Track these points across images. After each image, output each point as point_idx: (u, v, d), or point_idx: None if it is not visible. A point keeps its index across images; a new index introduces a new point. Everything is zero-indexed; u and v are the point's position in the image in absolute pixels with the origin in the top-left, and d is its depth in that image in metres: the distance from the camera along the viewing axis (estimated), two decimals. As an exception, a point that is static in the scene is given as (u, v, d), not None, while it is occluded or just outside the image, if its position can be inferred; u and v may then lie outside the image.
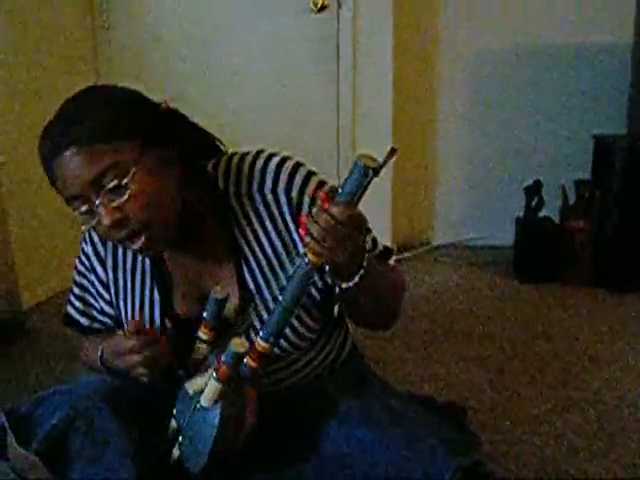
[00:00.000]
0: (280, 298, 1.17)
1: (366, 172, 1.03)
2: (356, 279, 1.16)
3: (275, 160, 1.29)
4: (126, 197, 1.14)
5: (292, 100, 3.21)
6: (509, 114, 3.59)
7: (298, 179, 1.27)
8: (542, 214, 3.19)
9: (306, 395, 1.38)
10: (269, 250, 1.30)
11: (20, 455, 1.23)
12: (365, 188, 1.05)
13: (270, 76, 3.30)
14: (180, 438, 1.27)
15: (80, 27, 3.21)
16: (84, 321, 1.45)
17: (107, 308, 1.42)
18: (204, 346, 1.28)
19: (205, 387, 1.20)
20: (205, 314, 1.24)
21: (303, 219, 1.09)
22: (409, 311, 2.71)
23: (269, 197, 1.28)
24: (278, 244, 1.30)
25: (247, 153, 1.31)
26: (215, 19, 3.30)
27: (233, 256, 1.31)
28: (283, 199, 1.27)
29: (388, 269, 1.36)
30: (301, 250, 1.14)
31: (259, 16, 3.25)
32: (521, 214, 3.21)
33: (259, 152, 1.31)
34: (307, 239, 1.08)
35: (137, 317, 1.34)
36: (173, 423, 1.30)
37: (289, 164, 1.28)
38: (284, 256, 1.30)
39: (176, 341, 1.30)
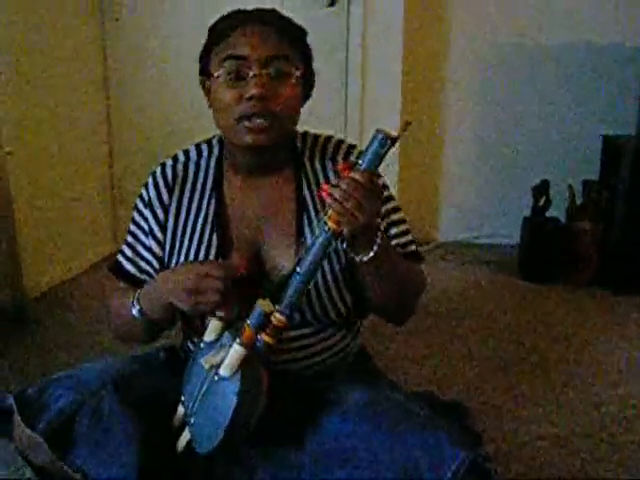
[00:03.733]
0: (298, 269, 1.21)
1: (385, 142, 1.13)
2: (371, 254, 1.24)
3: (340, 140, 1.48)
4: (283, 85, 1.30)
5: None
6: (517, 113, 3.57)
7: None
8: (549, 214, 3.17)
9: (313, 386, 1.39)
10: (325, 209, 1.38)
11: (25, 436, 1.25)
12: (382, 157, 1.15)
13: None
14: (192, 419, 1.27)
15: (89, 18, 3.20)
16: (130, 268, 1.46)
17: (157, 250, 1.43)
18: (218, 323, 1.28)
19: (222, 360, 1.21)
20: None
21: (325, 186, 1.18)
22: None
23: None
24: None
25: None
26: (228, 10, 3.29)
27: (295, 206, 1.39)
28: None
29: (409, 265, 1.43)
30: (321, 219, 1.20)
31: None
32: (528, 213, 3.20)
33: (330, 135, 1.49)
34: (328, 200, 1.16)
35: (191, 259, 1.39)
36: (180, 409, 1.31)
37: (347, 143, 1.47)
38: None
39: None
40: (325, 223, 1.18)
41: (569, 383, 2.19)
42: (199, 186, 1.43)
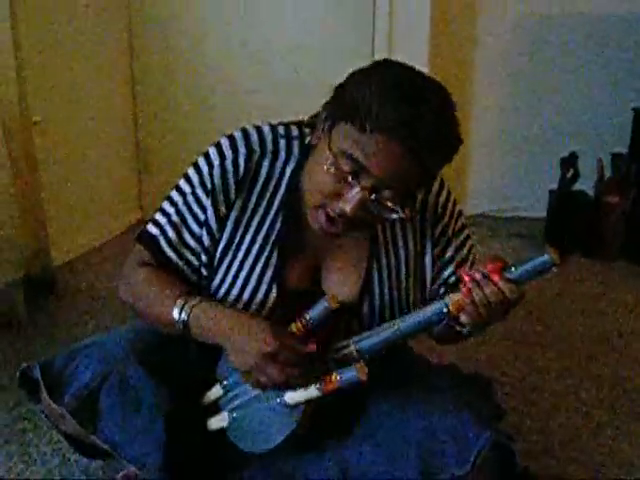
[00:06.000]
0: (398, 323, 1.16)
1: (548, 267, 1.07)
2: (469, 329, 1.19)
3: (439, 188, 1.32)
4: (376, 209, 1.13)
5: (325, 73, 3.17)
6: (548, 84, 3.52)
7: (455, 218, 1.34)
8: (577, 187, 3.13)
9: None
10: (402, 254, 1.30)
11: (51, 408, 1.26)
12: (536, 277, 1.09)
13: (304, 49, 3.27)
14: (234, 414, 1.27)
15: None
16: (171, 254, 1.29)
17: (208, 244, 1.27)
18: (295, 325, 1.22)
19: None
20: (309, 314, 1.19)
21: (466, 275, 1.11)
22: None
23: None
24: (411, 254, 1.31)
25: None
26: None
27: (368, 249, 1.29)
28: (430, 223, 1.31)
29: None
30: (446, 298, 1.13)
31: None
32: (555, 186, 3.16)
33: None
34: (464, 296, 1.10)
35: (244, 274, 1.27)
36: (218, 390, 1.30)
37: (452, 198, 1.34)
38: (410, 267, 1.31)
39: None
40: (447, 304, 1.12)
41: (593, 357, 2.18)
42: (269, 191, 1.27)
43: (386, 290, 1.29)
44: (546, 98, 3.55)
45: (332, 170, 1.12)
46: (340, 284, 1.29)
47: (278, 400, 1.19)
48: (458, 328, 1.20)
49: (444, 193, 1.32)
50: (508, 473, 1.20)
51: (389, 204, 1.13)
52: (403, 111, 1.07)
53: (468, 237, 1.37)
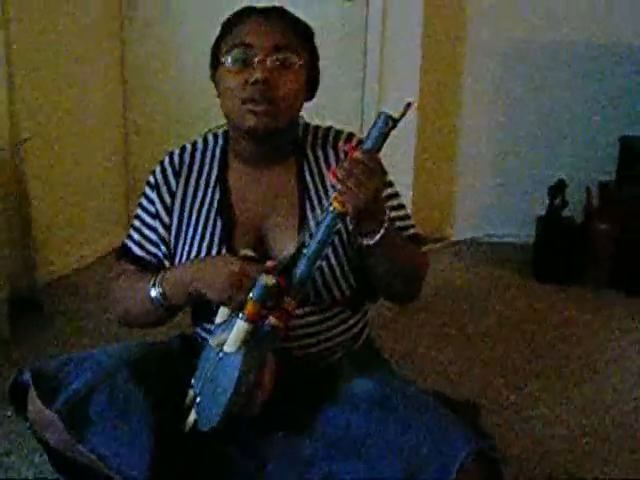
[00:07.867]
0: (305, 251, 1.26)
1: (387, 122, 1.20)
2: (377, 237, 1.28)
3: (339, 130, 1.53)
4: (287, 73, 1.36)
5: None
6: (537, 111, 3.54)
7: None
8: (564, 214, 3.15)
9: (322, 375, 1.41)
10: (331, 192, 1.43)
11: (40, 413, 1.26)
12: (385, 138, 1.22)
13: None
14: (198, 399, 1.28)
15: (106, 5, 3.20)
16: (138, 251, 1.49)
17: (163, 232, 1.47)
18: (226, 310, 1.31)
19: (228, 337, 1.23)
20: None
21: (333, 169, 1.24)
22: (424, 305, 2.69)
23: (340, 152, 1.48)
24: None
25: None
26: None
27: (298, 192, 1.44)
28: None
29: (413, 247, 1.48)
30: (328, 202, 1.25)
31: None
32: (543, 213, 3.17)
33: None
34: (333, 181, 1.22)
35: (196, 247, 1.43)
36: (190, 392, 1.32)
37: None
38: None
39: None
40: (331, 204, 1.23)
41: (580, 384, 2.18)
42: (205, 173, 1.48)
43: None
44: (534, 127, 3.57)
45: (231, 65, 1.36)
46: (283, 234, 1.41)
47: (221, 355, 1.24)
48: (360, 238, 1.30)
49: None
50: None
51: (289, 58, 1.36)
52: (252, 7, 1.42)
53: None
